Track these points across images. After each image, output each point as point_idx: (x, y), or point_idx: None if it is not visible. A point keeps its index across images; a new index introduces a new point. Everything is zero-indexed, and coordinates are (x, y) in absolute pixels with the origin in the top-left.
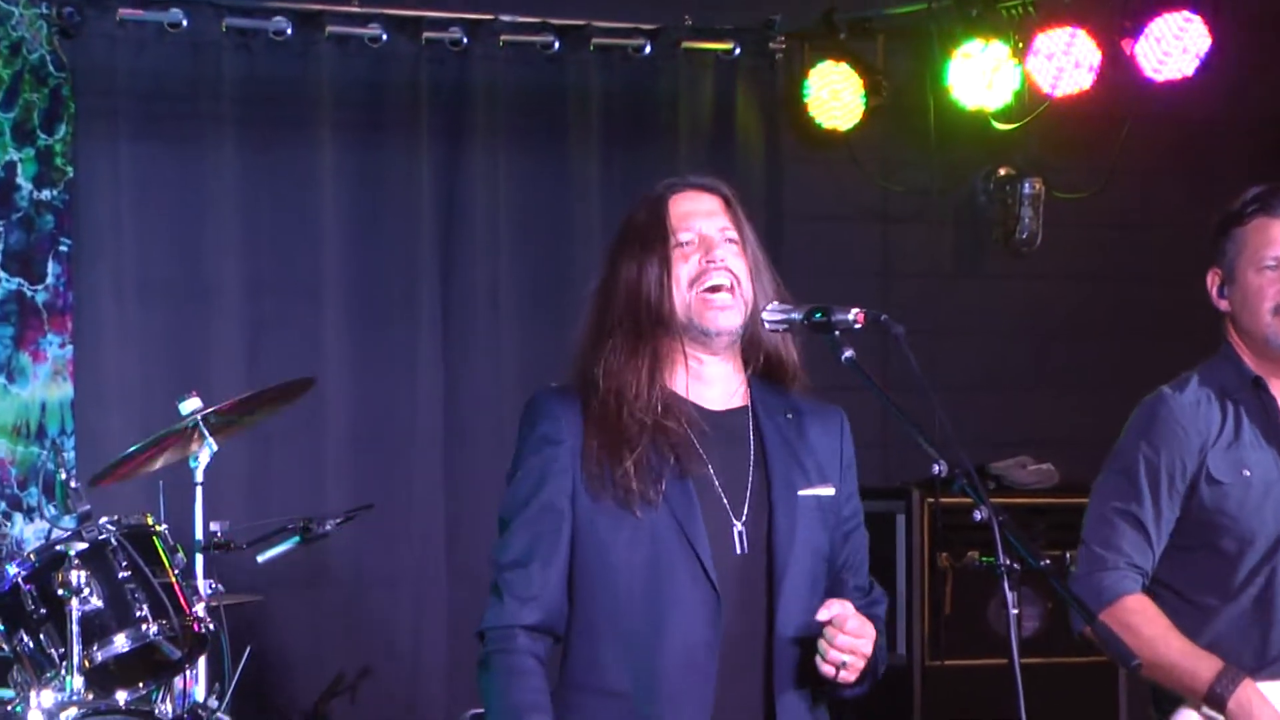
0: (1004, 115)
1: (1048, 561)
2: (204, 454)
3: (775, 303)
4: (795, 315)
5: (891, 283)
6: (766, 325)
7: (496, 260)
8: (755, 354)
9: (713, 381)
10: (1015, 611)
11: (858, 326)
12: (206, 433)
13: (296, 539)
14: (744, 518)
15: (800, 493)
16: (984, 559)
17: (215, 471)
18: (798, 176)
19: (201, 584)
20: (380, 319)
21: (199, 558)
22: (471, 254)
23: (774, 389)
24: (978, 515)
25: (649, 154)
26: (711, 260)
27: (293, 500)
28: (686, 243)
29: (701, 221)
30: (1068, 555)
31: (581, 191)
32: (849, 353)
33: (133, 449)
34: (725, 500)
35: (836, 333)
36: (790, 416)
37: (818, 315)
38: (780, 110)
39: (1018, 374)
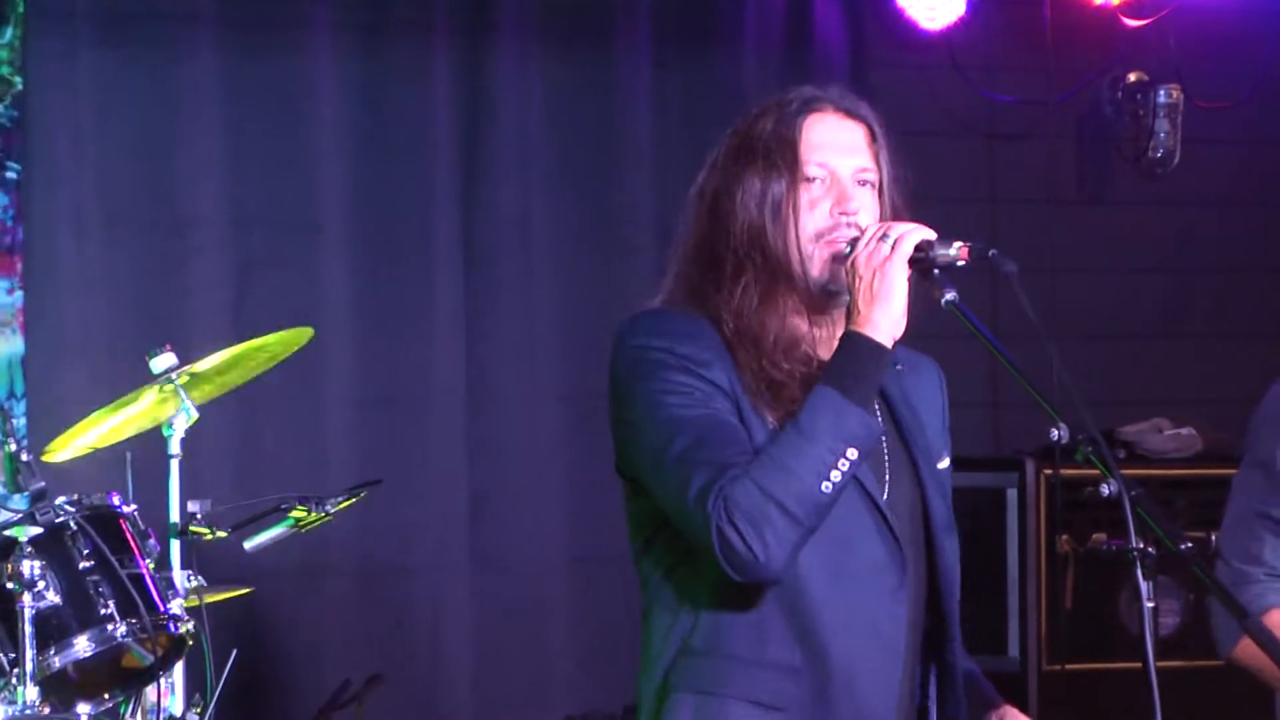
0: (1134, 9)
1: (1190, 545)
2: (181, 420)
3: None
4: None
5: (1000, 211)
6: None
7: (528, 187)
8: None
9: (826, 342)
10: (1151, 605)
11: (961, 263)
12: (184, 395)
13: (291, 522)
14: (885, 496)
15: (939, 466)
16: (1113, 543)
17: (194, 441)
18: (887, 84)
19: (178, 576)
20: (390, 258)
21: (175, 544)
22: (498, 179)
23: None
24: (1106, 490)
25: (710, 59)
26: (845, 212)
27: (287, 475)
28: (815, 179)
29: (837, 158)
30: (1213, 537)
31: (629, 104)
32: (951, 294)
33: (95, 414)
34: (868, 470)
35: (936, 271)
36: (900, 367)
37: (915, 250)
38: (866, 4)
39: (1152, 320)
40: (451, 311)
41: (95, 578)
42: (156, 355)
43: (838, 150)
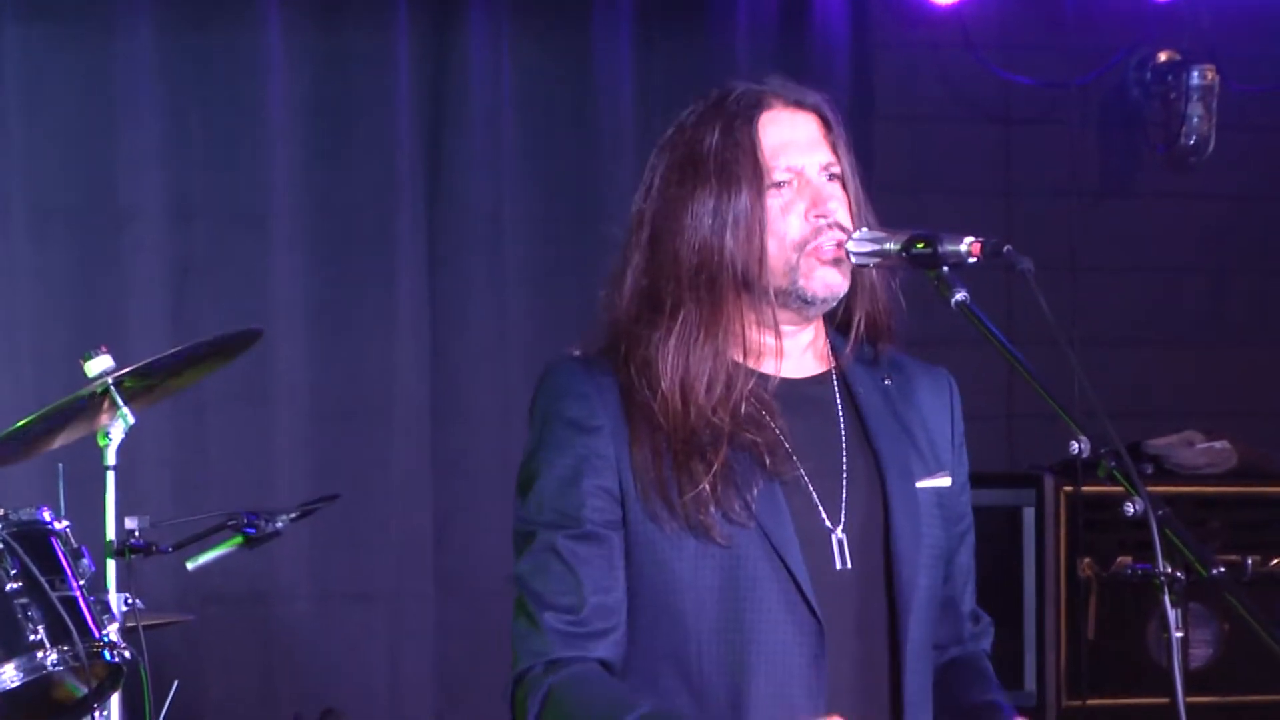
0: None
1: (1223, 569)
2: (117, 428)
3: (864, 229)
4: (890, 245)
5: (1017, 203)
6: (853, 259)
7: (498, 178)
8: (847, 309)
9: (792, 353)
10: (1180, 635)
11: (973, 260)
12: (121, 401)
13: (238, 540)
14: (841, 522)
15: (919, 484)
16: (1139, 567)
17: (132, 452)
18: (893, 65)
19: (115, 599)
20: (346, 255)
21: (111, 564)
22: (465, 169)
23: (859, 343)
24: (1131, 509)
25: (698, 38)
26: (822, 215)
27: (234, 490)
28: (783, 184)
29: (801, 157)
30: (1249, 561)
31: (610, 87)
32: (961, 294)
33: (23, 422)
34: (817, 500)
35: (945, 268)
36: (889, 382)
37: (920, 246)
38: None
39: (1183, 323)
40: (415, 314)
41: (23, 600)
42: (91, 358)
43: (800, 149)
